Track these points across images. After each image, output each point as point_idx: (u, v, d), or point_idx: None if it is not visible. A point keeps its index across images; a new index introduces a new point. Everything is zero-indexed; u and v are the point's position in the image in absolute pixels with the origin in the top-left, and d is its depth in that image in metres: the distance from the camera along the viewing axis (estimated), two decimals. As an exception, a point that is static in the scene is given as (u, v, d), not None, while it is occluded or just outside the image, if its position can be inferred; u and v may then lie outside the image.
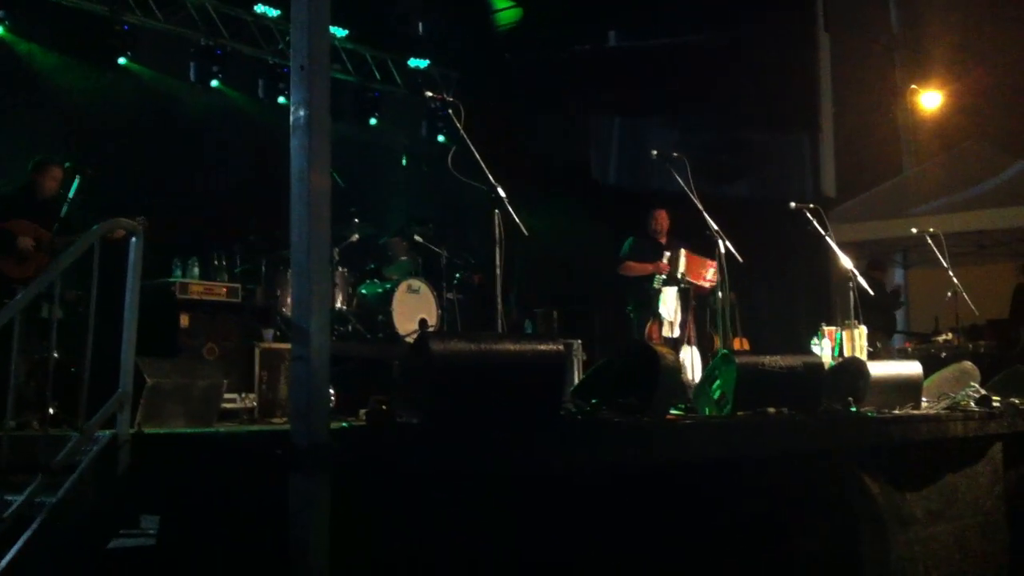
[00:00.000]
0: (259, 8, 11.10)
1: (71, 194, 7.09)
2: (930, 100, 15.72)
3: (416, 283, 9.20)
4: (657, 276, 8.92)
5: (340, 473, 3.81)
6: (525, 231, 6.18)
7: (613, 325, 10.13)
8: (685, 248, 8.81)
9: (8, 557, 3.83)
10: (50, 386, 4.88)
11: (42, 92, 9.55)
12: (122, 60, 10.19)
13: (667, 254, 8.95)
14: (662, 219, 9.41)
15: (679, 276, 8.76)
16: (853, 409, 5.96)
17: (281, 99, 11.26)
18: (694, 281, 8.78)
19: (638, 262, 9.20)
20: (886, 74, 15.87)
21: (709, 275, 8.58)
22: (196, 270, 8.32)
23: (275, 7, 11.07)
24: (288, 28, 10.79)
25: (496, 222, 6.11)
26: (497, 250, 6.10)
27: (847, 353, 7.74)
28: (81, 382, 4.47)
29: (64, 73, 9.83)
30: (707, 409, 5.57)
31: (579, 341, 9.63)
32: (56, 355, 5.19)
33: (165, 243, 7.60)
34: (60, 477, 4.07)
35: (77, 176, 7.17)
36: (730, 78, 11.53)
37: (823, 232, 7.99)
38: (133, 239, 4.52)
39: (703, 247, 8.21)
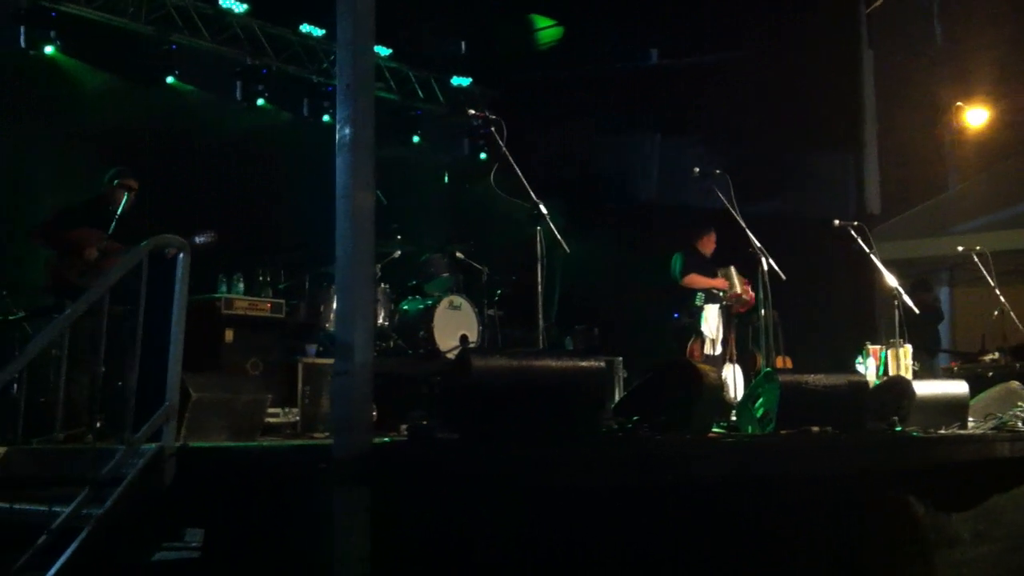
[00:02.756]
0: (304, 27, 11.22)
1: (119, 211, 7.20)
2: (976, 117, 15.54)
3: (457, 299, 9.23)
4: (699, 293, 8.90)
5: (381, 487, 3.83)
6: (567, 248, 6.19)
7: (654, 343, 10.09)
8: (732, 268, 8.81)
9: (55, 567, 3.89)
10: (98, 399, 4.95)
11: (91, 111, 9.71)
12: (169, 79, 10.36)
13: (720, 270, 8.95)
14: (710, 240, 9.42)
15: (737, 294, 8.75)
16: (898, 429, 5.90)
17: (325, 117, 11.39)
18: (745, 298, 8.77)
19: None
20: (930, 91, 15.70)
21: (749, 290, 8.59)
22: (241, 286, 8.41)
23: (320, 27, 11.19)
24: (332, 47, 11.01)
25: (538, 239, 6.12)
26: (538, 267, 6.11)
27: (891, 372, 7.66)
28: (127, 396, 4.54)
29: (112, 92, 9.99)
30: (749, 428, 5.53)
31: (620, 358, 9.61)
32: (103, 369, 5.27)
33: (210, 259, 7.69)
34: (106, 489, 4.13)
35: (126, 193, 7.29)
36: (772, 95, 11.47)
37: (868, 250, 7.93)
38: (180, 255, 4.59)
39: (745, 264, 8.19)
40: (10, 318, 7.41)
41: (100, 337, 4.77)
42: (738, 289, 8.76)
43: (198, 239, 7.19)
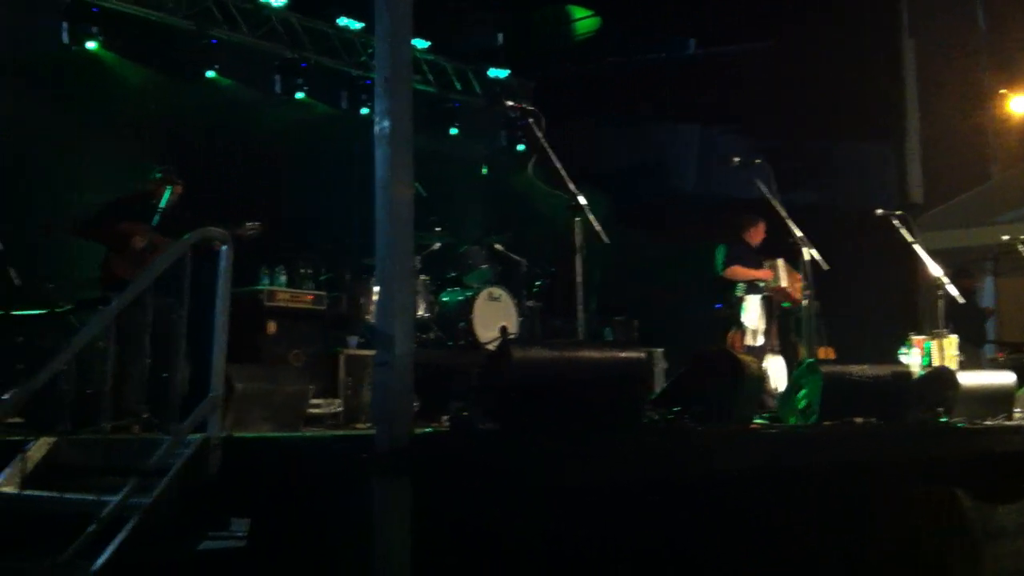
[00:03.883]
0: (342, 21, 11.27)
1: (162, 204, 7.27)
2: (1020, 104, 15.29)
3: (497, 291, 9.24)
4: (740, 284, 8.84)
5: (422, 478, 3.85)
6: (605, 239, 6.17)
7: (694, 334, 10.05)
8: (782, 259, 8.72)
9: (104, 556, 3.94)
10: (144, 390, 5.02)
11: (133, 105, 9.80)
12: (209, 73, 10.44)
13: (767, 262, 8.87)
14: (758, 231, 9.30)
15: (781, 288, 8.67)
16: (943, 420, 5.84)
17: (364, 110, 11.44)
18: (790, 292, 8.69)
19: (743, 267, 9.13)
20: (973, 78, 15.49)
21: (799, 288, 8.48)
22: (283, 278, 8.48)
23: (358, 20, 11.23)
24: (370, 40, 11.05)
25: (576, 230, 6.11)
26: (577, 258, 6.10)
27: (936, 363, 7.59)
28: (172, 387, 4.60)
29: (154, 87, 10.09)
30: (792, 419, 5.50)
31: (660, 349, 9.59)
32: (149, 360, 5.34)
33: (252, 252, 7.76)
34: (153, 479, 4.18)
35: (168, 187, 7.36)
36: (812, 84, 11.37)
37: (911, 239, 7.85)
38: (223, 248, 4.63)
39: (785, 255, 8.14)
40: (57, 310, 7.52)
41: (145, 329, 4.83)
42: (783, 283, 8.68)
43: (246, 228, 7.28)
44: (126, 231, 7.16)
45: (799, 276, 8.18)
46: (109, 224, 7.19)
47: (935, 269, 7.89)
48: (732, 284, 9.01)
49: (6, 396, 4.45)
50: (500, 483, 4.10)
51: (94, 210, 7.49)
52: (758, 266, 8.97)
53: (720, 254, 9.27)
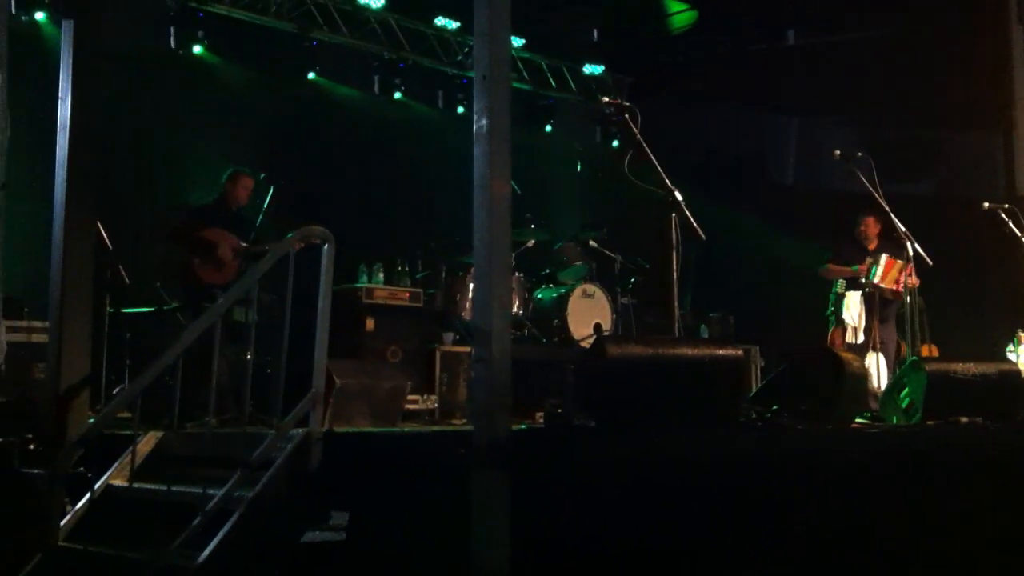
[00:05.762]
0: (439, 20, 11.37)
1: (266, 204, 7.43)
2: None
3: (591, 288, 9.23)
4: (839, 280, 8.68)
5: (520, 473, 3.88)
6: (702, 235, 6.11)
7: (792, 330, 9.89)
8: (887, 255, 8.51)
9: (210, 548, 4.06)
10: (248, 386, 5.13)
11: (236, 107, 10.04)
12: (311, 75, 10.66)
13: (870, 258, 8.69)
14: (869, 225, 9.11)
15: (874, 282, 8.47)
16: (1052, 419, 5.66)
17: (460, 109, 11.53)
18: (887, 288, 8.48)
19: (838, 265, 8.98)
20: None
21: (904, 280, 8.25)
22: (381, 275, 8.61)
23: (454, 19, 11.32)
24: (466, 39, 11.13)
25: (672, 226, 6.06)
26: (673, 254, 6.05)
27: (1046, 360, 7.35)
28: (275, 382, 4.70)
29: (257, 88, 10.32)
30: (895, 418, 5.39)
31: (757, 347, 9.46)
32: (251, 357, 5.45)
33: (352, 250, 7.89)
34: (257, 473, 4.28)
35: (271, 187, 7.52)
36: (916, 73, 11.08)
37: (1019, 233, 7.61)
38: (325, 246, 4.72)
39: (892, 250, 7.95)
40: (164, 308, 7.75)
41: (250, 326, 4.94)
42: (876, 279, 8.45)
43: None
44: (211, 240, 7.33)
45: (911, 269, 7.94)
46: (195, 231, 7.36)
47: (1045, 263, 7.64)
48: (833, 280, 8.85)
49: (116, 392, 4.61)
50: (595, 478, 4.10)
51: (181, 217, 7.67)
52: (860, 261, 8.77)
53: (826, 253, 9.12)
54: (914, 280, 7.81)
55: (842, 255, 8.98)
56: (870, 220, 9.02)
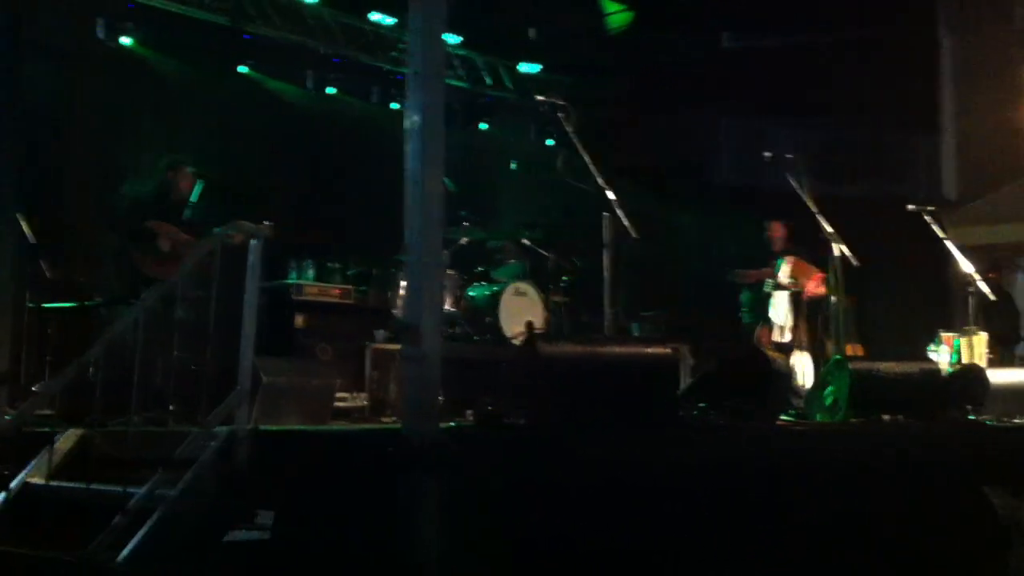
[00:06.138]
0: (374, 16, 11.30)
1: (194, 198, 7.32)
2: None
3: (524, 286, 9.22)
4: (768, 280, 8.82)
5: (449, 471, 3.86)
6: (634, 234, 6.15)
7: (721, 329, 10.01)
8: (794, 257, 8.70)
9: (130, 547, 3.98)
10: (172, 383, 5.06)
11: (166, 100, 9.87)
12: (242, 68, 10.52)
13: (778, 261, 8.88)
14: (775, 229, 9.34)
15: (784, 283, 8.67)
16: (972, 417, 5.79)
17: (394, 105, 11.47)
18: (789, 285, 8.69)
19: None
20: (1010, 73, 15.31)
21: (814, 285, 8.47)
22: (311, 272, 8.53)
23: (390, 15, 11.25)
24: (402, 35, 11.07)
25: (605, 225, 6.09)
26: (605, 253, 6.09)
27: (966, 360, 7.51)
28: (201, 379, 4.63)
29: (187, 81, 10.16)
30: (819, 415, 5.48)
31: (687, 345, 9.54)
32: (177, 353, 5.37)
33: (282, 246, 7.81)
34: (180, 471, 4.22)
35: (200, 181, 7.41)
36: (845, 79, 11.30)
37: (942, 235, 7.78)
38: (253, 242, 4.66)
39: (817, 250, 8.08)
40: (87, 304, 7.59)
41: (175, 322, 4.87)
42: (784, 281, 8.68)
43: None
44: (152, 230, 7.21)
45: (818, 278, 8.13)
46: (134, 222, 7.24)
47: (966, 265, 7.82)
48: (761, 280, 9.00)
49: (36, 387, 4.50)
50: (526, 476, 4.11)
51: (121, 209, 7.54)
52: (767, 265, 8.98)
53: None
54: (821, 290, 8.01)
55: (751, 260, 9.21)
56: (776, 224, 9.26)
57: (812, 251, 8.36)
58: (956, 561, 5.50)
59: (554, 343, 4.46)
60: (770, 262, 9.00)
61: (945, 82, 12.27)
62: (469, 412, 5.95)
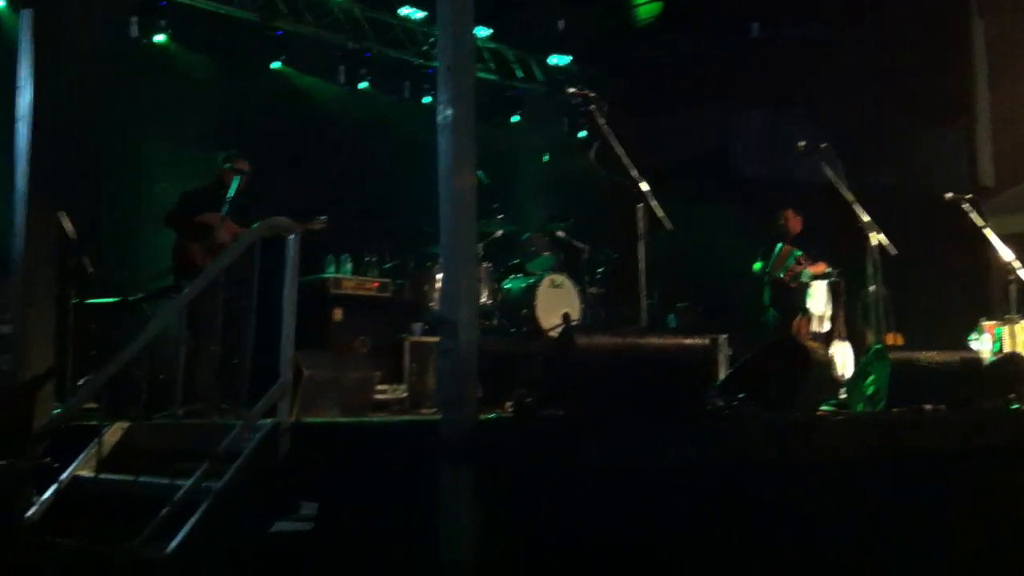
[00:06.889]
0: (403, 11, 11.33)
1: (230, 194, 7.38)
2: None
3: (559, 278, 9.24)
4: (805, 271, 8.80)
5: (487, 463, 3.88)
6: (669, 225, 6.14)
7: (760, 320, 9.97)
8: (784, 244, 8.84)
9: (177, 539, 4.04)
10: (214, 377, 5.11)
11: (200, 97, 9.96)
12: (275, 64, 10.60)
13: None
14: (788, 218, 9.53)
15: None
16: (1014, 407, 5.74)
17: (426, 99, 11.51)
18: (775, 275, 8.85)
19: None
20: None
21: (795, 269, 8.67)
22: (348, 266, 8.58)
23: (420, 9, 11.29)
24: (431, 30, 11.10)
25: (639, 216, 6.09)
26: (640, 244, 6.08)
27: (1007, 349, 7.45)
28: (242, 373, 4.68)
29: (220, 78, 10.25)
30: (859, 405, 5.45)
31: (725, 336, 9.52)
32: (218, 348, 5.44)
33: (319, 240, 7.88)
34: (224, 464, 4.27)
35: (236, 176, 7.47)
36: (879, 67, 11.19)
37: (981, 223, 7.70)
38: (290, 237, 4.70)
39: (854, 239, 8.03)
40: (130, 299, 7.68)
41: (216, 316, 4.93)
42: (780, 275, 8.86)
43: (314, 222, 7.42)
44: (207, 222, 7.28)
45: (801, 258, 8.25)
46: (188, 216, 7.33)
47: (1006, 253, 7.74)
48: (800, 271, 9.02)
49: (81, 382, 4.57)
50: (564, 468, 4.12)
51: (175, 203, 7.64)
52: (770, 252, 9.12)
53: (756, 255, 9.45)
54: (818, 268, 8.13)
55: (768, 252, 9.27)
56: (788, 213, 9.26)
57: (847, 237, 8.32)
58: (997, 552, 5.47)
59: (590, 335, 4.45)
60: (783, 251, 9.06)
61: (979, 66, 12.11)
62: (508, 404, 5.97)
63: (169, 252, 7.55)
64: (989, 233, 7.76)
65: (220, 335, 5.13)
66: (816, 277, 8.76)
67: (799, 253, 9.06)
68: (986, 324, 7.82)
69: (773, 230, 9.46)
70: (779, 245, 9.21)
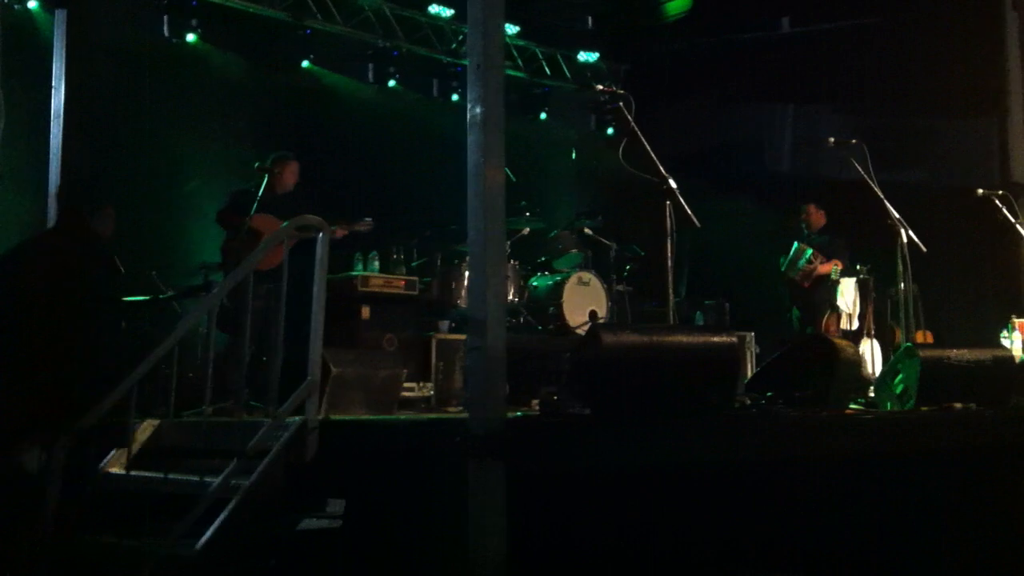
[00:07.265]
0: (433, 9, 11.35)
1: (260, 193, 7.42)
2: None
3: (586, 275, 9.24)
4: (834, 268, 8.76)
5: (515, 460, 3.89)
6: (697, 223, 6.12)
7: (787, 318, 9.93)
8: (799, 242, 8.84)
9: (207, 535, 4.08)
10: (244, 375, 5.14)
11: (230, 96, 10.02)
12: (305, 63, 10.65)
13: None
14: (811, 213, 9.59)
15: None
16: (1046, 405, 5.68)
17: (454, 97, 11.53)
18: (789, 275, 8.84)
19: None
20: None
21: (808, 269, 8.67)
22: (376, 264, 8.61)
23: (448, 7, 11.30)
24: (460, 28, 11.11)
25: (667, 214, 6.07)
26: (668, 242, 6.06)
27: (1039, 346, 7.37)
28: (271, 371, 4.71)
29: (250, 77, 10.30)
30: (888, 404, 5.41)
31: (752, 333, 9.49)
32: (250, 346, 5.47)
33: (347, 239, 7.92)
34: (253, 461, 4.30)
35: (265, 176, 7.51)
36: (909, 61, 11.09)
37: (1013, 220, 7.62)
38: (320, 235, 4.73)
39: (883, 236, 7.97)
40: (160, 297, 7.75)
41: (246, 315, 4.96)
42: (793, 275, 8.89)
43: (361, 223, 7.60)
44: (257, 228, 7.32)
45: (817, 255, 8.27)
46: (239, 215, 7.37)
47: (1039, 250, 7.66)
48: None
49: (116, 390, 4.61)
50: (591, 466, 4.12)
51: (225, 201, 7.72)
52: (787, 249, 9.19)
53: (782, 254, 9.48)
54: (825, 267, 8.11)
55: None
56: (811, 208, 9.22)
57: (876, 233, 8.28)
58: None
59: (617, 332, 4.44)
60: (798, 250, 9.05)
61: (1012, 60, 11.97)
62: (535, 402, 5.97)
63: (199, 249, 7.60)
64: (1022, 229, 7.68)
65: (253, 333, 5.15)
66: (843, 275, 8.72)
67: (810, 252, 9.01)
68: (1018, 321, 7.73)
69: (790, 225, 9.43)
70: (795, 244, 9.18)
